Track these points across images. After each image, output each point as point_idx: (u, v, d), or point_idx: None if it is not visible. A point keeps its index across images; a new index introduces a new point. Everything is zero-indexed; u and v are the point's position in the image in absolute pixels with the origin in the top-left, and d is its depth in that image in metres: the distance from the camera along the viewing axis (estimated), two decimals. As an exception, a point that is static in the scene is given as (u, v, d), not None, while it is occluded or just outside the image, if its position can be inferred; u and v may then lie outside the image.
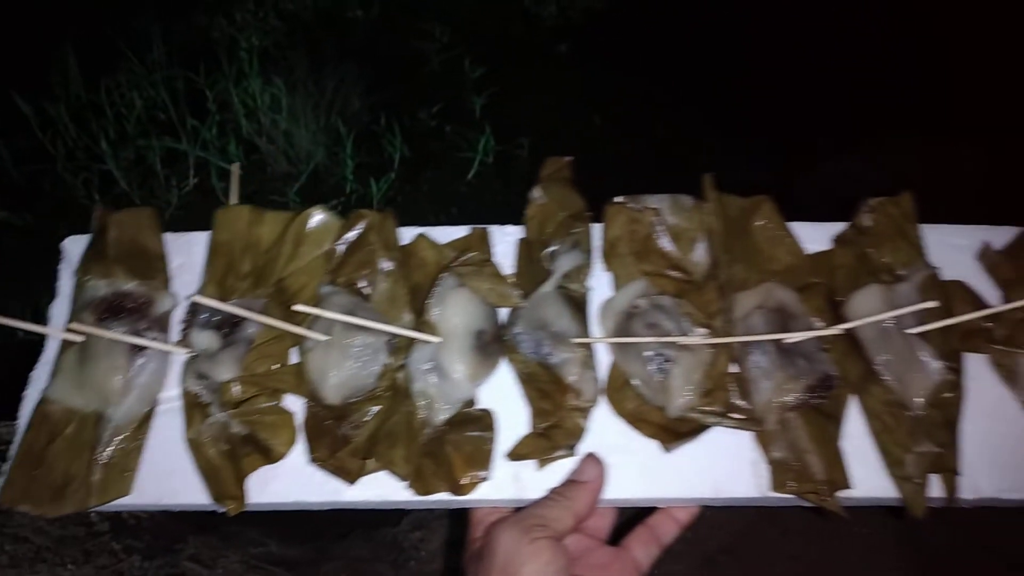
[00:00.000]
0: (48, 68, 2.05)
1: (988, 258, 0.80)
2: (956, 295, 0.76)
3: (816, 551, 1.47)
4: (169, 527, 1.28)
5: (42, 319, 0.77)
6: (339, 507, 0.72)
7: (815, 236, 0.81)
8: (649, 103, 2.27)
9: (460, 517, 0.75)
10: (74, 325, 0.70)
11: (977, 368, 0.75)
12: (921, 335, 0.72)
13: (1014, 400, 0.74)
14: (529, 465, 0.71)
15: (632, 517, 0.77)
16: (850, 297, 0.75)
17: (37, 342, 0.76)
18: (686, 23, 2.48)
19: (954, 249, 0.81)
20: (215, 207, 0.79)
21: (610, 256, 0.79)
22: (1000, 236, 0.82)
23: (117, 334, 0.70)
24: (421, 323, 0.72)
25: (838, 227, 0.82)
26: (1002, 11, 2.16)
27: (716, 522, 1.49)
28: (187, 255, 0.80)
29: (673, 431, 0.71)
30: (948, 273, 0.78)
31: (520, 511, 0.67)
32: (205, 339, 0.71)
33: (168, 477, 0.70)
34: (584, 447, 0.71)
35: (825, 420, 0.71)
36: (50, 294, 0.79)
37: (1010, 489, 0.71)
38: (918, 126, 2.01)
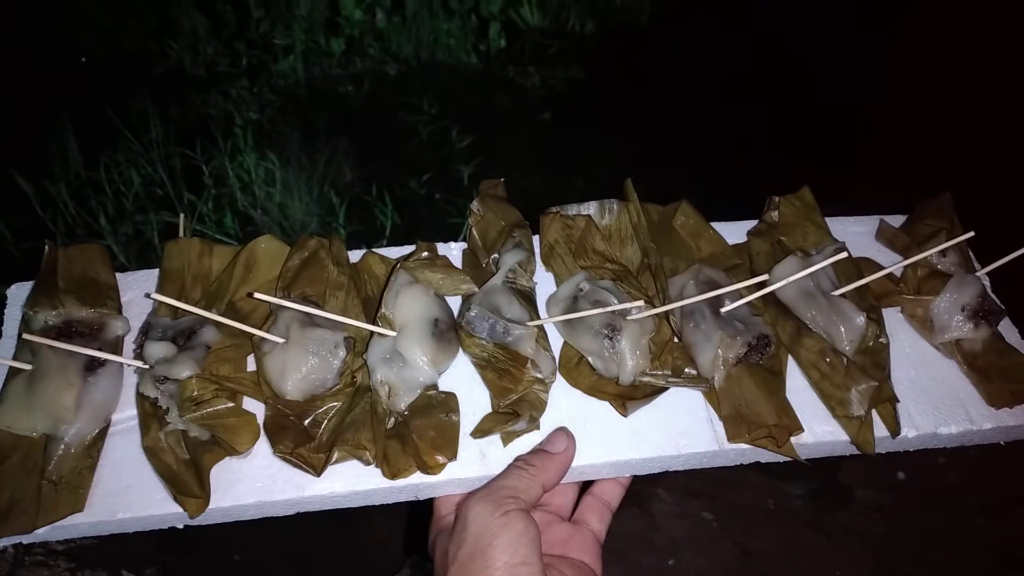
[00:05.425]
0: (47, 147, 2.11)
1: (885, 233, 0.89)
2: (865, 266, 0.84)
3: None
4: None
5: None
6: (304, 507, 0.70)
7: (730, 232, 0.88)
8: (629, 166, 2.40)
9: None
10: (28, 336, 0.69)
11: (893, 325, 0.81)
12: (841, 296, 0.79)
13: (930, 344, 0.81)
14: (494, 443, 0.72)
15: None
16: (772, 269, 0.81)
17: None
18: (664, 88, 2.68)
19: (854, 235, 0.90)
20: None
21: (549, 258, 0.84)
22: (894, 222, 0.91)
23: (71, 346, 0.70)
24: (377, 318, 0.74)
25: (750, 224, 0.90)
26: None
27: None
28: (136, 291, 0.81)
29: (629, 396, 0.73)
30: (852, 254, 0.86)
31: (488, 484, 0.67)
32: (161, 350, 0.71)
33: (123, 492, 0.68)
34: (545, 422, 0.72)
35: (768, 374, 0.75)
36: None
37: (946, 422, 0.76)
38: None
